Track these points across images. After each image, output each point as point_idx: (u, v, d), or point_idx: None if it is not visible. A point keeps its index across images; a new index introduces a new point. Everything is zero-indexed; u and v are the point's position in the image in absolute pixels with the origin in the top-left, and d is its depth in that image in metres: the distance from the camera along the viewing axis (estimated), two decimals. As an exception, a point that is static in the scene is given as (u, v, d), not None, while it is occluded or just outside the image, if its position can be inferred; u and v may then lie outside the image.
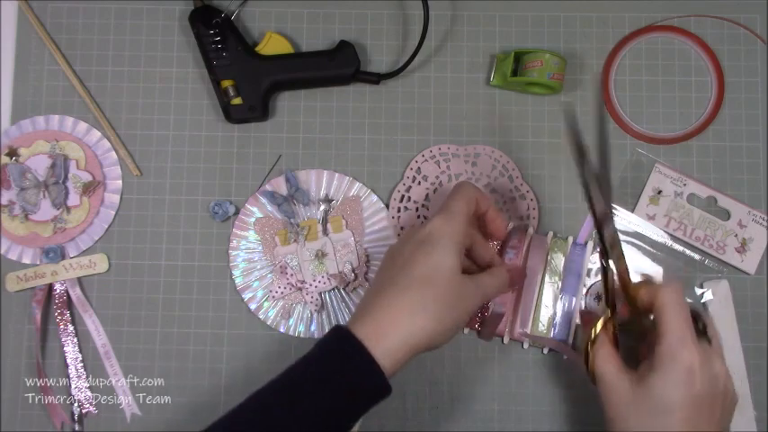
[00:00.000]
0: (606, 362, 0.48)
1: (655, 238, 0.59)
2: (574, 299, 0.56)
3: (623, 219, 0.60)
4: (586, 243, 0.58)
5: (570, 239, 0.58)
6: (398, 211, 0.60)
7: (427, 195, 0.60)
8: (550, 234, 0.58)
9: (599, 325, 0.49)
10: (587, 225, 0.60)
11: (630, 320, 0.50)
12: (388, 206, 0.60)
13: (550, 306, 0.56)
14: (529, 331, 0.55)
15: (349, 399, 0.44)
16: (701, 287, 0.59)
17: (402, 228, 0.60)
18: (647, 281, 0.49)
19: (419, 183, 0.60)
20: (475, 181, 0.60)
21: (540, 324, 0.56)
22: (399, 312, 0.45)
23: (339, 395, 0.43)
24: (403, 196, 0.60)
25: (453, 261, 0.46)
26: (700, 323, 0.49)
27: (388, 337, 0.44)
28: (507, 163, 0.61)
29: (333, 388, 0.43)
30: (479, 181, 0.60)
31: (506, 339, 0.57)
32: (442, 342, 0.46)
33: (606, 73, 0.62)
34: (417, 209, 0.60)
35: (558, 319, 0.56)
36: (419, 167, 0.61)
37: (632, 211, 0.60)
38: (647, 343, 0.49)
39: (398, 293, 0.46)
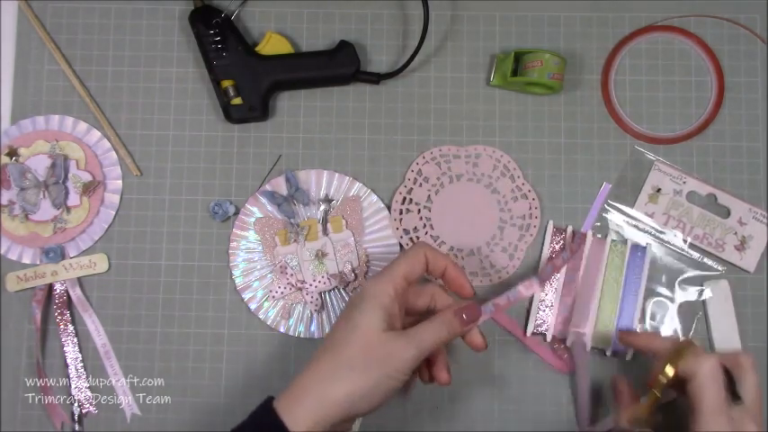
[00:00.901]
0: None
1: (654, 235, 0.59)
2: (635, 302, 0.57)
3: (622, 216, 0.60)
4: (647, 246, 0.58)
5: (629, 243, 0.58)
6: (400, 213, 0.60)
7: (429, 197, 0.60)
8: (609, 238, 0.58)
9: (642, 409, 0.49)
10: (590, 218, 0.60)
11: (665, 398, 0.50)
12: (389, 208, 0.60)
13: (611, 309, 0.57)
14: (588, 331, 0.56)
15: None
16: (701, 285, 0.59)
17: (405, 230, 0.60)
18: (682, 349, 0.48)
19: (420, 184, 0.60)
20: (476, 182, 0.60)
21: (603, 325, 0.57)
22: (309, 380, 0.45)
23: None
24: (405, 198, 0.60)
25: (373, 318, 0.45)
26: (733, 384, 0.49)
27: (299, 407, 0.44)
28: (508, 163, 0.61)
29: None
30: (481, 181, 0.60)
31: (549, 337, 0.58)
32: (366, 408, 0.45)
33: (606, 73, 0.62)
34: (419, 210, 0.60)
35: (618, 321, 0.57)
36: (420, 169, 0.61)
37: (631, 208, 0.60)
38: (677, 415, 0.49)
39: (315, 358, 0.46)
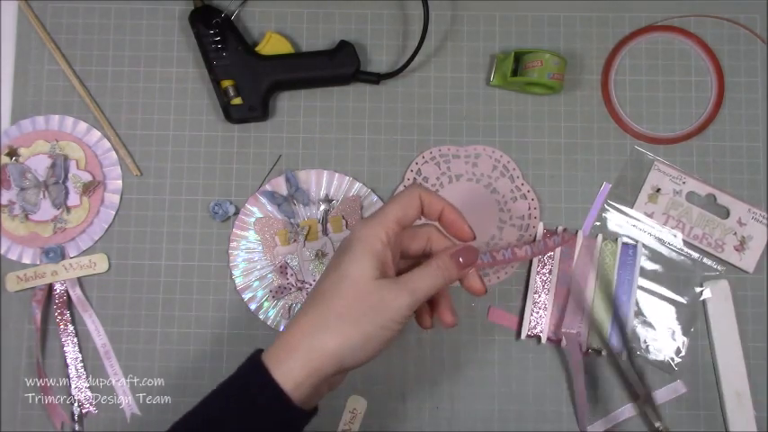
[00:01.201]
0: None
1: (653, 236, 0.59)
2: (629, 301, 0.58)
3: (621, 216, 0.60)
4: (637, 244, 0.59)
5: (620, 241, 0.59)
6: None
7: None
8: (600, 237, 0.58)
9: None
10: (590, 218, 0.60)
11: None
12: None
13: (604, 308, 0.57)
14: (582, 331, 0.57)
15: (262, 425, 0.42)
16: (701, 286, 0.59)
17: None
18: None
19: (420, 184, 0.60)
20: (476, 182, 0.60)
21: (597, 326, 0.57)
22: (299, 332, 0.42)
23: (251, 423, 0.42)
24: None
25: (364, 266, 0.42)
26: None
27: (289, 360, 0.41)
28: (508, 163, 0.61)
29: (242, 415, 0.42)
30: (480, 181, 0.60)
31: (544, 339, 0.58)
32: (360, 359, 0.42)
33: (606, 73, 0.62)
34: None
35: (613, 321, 0.57)
36: (419, 169, 0.61)
37: (631, 208, 0.60)
38: None
39: (303, 311, 0.43)
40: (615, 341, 0.57)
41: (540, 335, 0.58)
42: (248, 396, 0.42)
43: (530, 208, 0.60)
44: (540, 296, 0.58)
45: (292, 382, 0.41)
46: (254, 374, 0.42)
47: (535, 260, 0.59)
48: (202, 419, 0.43)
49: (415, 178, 0.60)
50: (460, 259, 0.45)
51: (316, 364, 0.41)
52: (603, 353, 0.58)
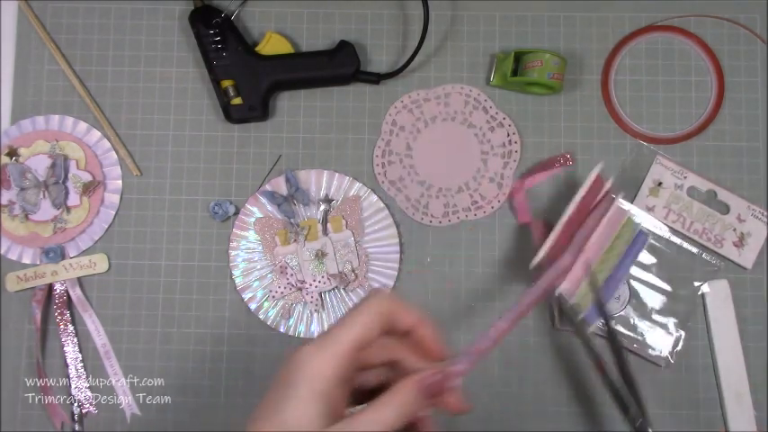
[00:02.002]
0: None
1: (653, 230, 0.59)
2: (620, 284, 0.57)
3: (621, 211, 0.60)
4: (648, 235, 0.59)
5: (639, 226, 0.58)
6: (383, 166, 0.61)
7: (408, 145, 0.61)
8: (629, 212, 0.58)
9: None
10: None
11: None
12: (372, 164, 0.61)
13: (599, 277, 0.56)
14: (571, 299, 0.55)
15: None
16: (699, 281, 0.59)
17: (390, 182, 0.60)
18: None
19: (397, 134, 0.61)
20: (451, 120, 0.61)
21: (582, 294, 0.55)
22: None
23: None
24: (384, 151, 0.61)
25: (309, 413, 0.34)
26: None
27: None
28: (479, 95, 0.61)
29: None
30: (455, 119, 0.61)
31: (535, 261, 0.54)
32: None
33: (606, 73, 0.62)
34: (401, 160, 0.61)
35: (598, 294, 0.55)
36: (394, 119, 0.61)
37: (632, 201, 0.60)
38: None
39: None
40: (592, 313, 0.56)
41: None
42: None
43: (508, 134, 0.61)
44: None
45: None
46: None
47: (574, 202, 0.55)
48: None
49: (391, 129, 0.61)
50: (429, 387, 0.36)
51: None
52: (579, 317, 0.55)
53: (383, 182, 0.60)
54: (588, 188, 0.55)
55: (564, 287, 0.55)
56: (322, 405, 0.34)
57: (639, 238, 0.58)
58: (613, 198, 0.57)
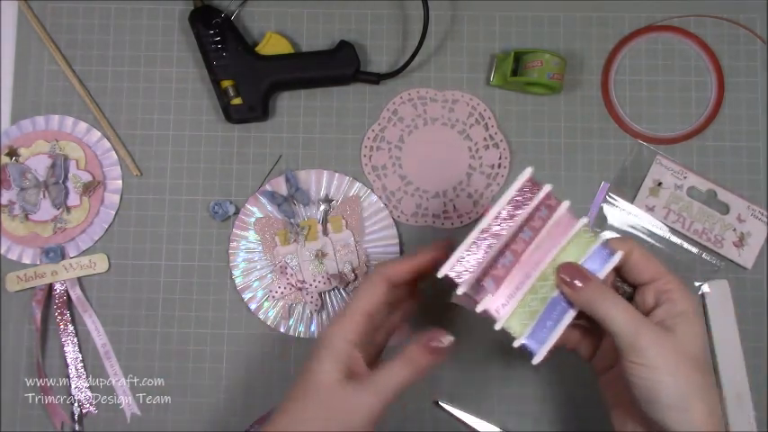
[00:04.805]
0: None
1: (653, 230, 0.59)
2: (569, 310, 0.43)
3: (622, 210, 0.60)
4: (615, 253, 0.44)
5: (601, 238, 0.45)
6: (370, 150, 0.61)
7: (401, 137, 0.61)
8: (583, 220, 0.45)
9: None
10: (591, 217, 0.59)
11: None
12: (360, 146, 0.61)
13: (538, 304, 0.44)
14: (500, 325, 0.43)
15: None
16: (699, 281, 0.59)
17: (373, 167, 0.61)
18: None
19: (394, 124, 0.61)
20: (450, 127, 0.61)
21: (519, 322, 0.43)
22: None
23: None
24: (376, 135, 0.61)
25: (328, 369, 0.42)
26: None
27: None
28: (484, 111, 0.61)
29: None
30: (455, 127, 0.61)
31: (462, 289, 0.43)
32: None
33: (606, 73, 0.62)
34: (390, 149, 0.61)
35: (540, 322, 0.43)
36: (396, 109, 0.61)
37: (632, 201, 0.60)
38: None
39: (274, 419, 0.43)
40: (532, 340, 0.43)
41: (459, 281, 0.43)
42: None
43: (500, 157, 0.60)
44: (485, 240, 0.43)
45: None
46: None
47: (502, 200, 0.44)
48: None
49: (390, 117, 0.61)
50: (432, 344, 0.42)
51: None
52: (515, 344, 0.43)
53: (366, 164, 0.60)
54: (518, 191, 0.44)
55: (491, 304, 0.43)
56: (337, 364, 0.42)
57: (601, 250, 0.44)
58: (558, 202, 0.45)
